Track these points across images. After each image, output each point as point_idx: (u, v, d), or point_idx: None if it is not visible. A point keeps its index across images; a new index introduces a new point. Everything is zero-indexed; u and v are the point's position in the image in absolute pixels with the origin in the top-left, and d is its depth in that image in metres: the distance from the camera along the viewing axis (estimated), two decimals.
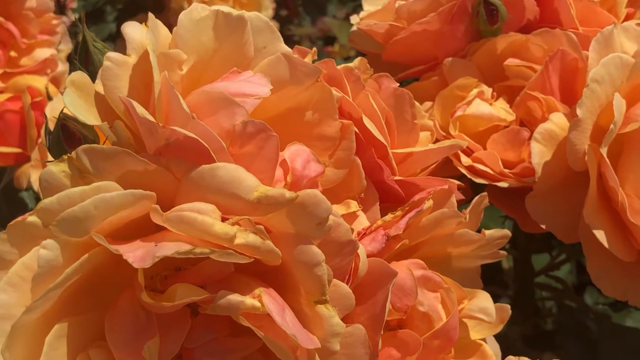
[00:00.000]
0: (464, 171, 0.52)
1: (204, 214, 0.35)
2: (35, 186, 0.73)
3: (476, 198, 0.46)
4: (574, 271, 1.07)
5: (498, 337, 0.50)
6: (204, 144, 0.36)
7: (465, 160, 0.52)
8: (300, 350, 0.36)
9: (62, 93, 0.42)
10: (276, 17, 1.29)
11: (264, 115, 0.43)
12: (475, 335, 0.46)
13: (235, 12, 0.42)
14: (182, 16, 0.41)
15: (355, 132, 0.44)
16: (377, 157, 0.45)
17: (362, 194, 0.45)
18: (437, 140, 0.52)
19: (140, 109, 0.37)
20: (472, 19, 0.55)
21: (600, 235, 0.46)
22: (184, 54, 0.40)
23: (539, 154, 0.49)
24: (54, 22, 0.85)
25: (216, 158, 0.36)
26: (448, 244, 0.46)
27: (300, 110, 0.44)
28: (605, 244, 0.46)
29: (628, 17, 0.57)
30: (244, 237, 0.35)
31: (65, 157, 0.36)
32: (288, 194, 0.36)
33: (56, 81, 0.83)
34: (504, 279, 0.77)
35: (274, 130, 0.39)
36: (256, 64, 0.43)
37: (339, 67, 0.47)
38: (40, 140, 0.73)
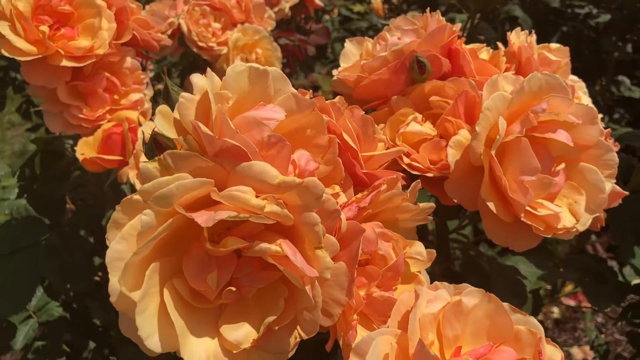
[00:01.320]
0: (405, 167, 0.52)
1: (245, 192, 0.35)
2: (132, 181, 0.73)
3: (413, 184, 0.46)
4: (472, 232, 1.07)
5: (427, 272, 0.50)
6: (244, 149, 0.36)
7: (406, 160, 0.52)
8: (306, 277, 0.36)
9: (151, 119, 0.42)
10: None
11: (281, 131, 0.42)
12: (413, 269, 0.46)
13: (262, 67, 0.42)
14: (229, 70, 0.41)
15: (338, 142, 0.45)
16: (351, 158, 0.45)
17: (342, 181, 0.45)
18: (388, 148, 0.52)
19: (204, 128, 0.37)
20: (410, 71, 0.55)
21: (491, 205, 0.46)
22: (229, 93, 0.40)
23: (452, 155, 0.49)
24: (142, 76, 0.85)
25: (252, 158, 0.37)
26: (396, 212, 0.46)
27: (303, 128, 0.44)
28: (494, 211, 0.46)
29: (507, 70, 0.58)
30: (270, 207, 0.35)
31: (156, 158, 0.36)
32: (298, 180, 0.36)
33: (144, 114, 0.83)
34: (429, 236, 0.78)
35: (287, 141, 0.39)
36: (275, 99, 0.42)
37: (326, 102, 0.47)
38: (134, 151, 0.73)
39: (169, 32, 1.19)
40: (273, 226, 0.37)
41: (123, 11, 0.81)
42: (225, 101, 0.40)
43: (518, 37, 0.59)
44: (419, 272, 0.47)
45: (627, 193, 0.59)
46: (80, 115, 0.77)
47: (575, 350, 1.97)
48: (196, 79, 0.41)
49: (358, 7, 2.86)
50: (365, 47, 0.60)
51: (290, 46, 1.48)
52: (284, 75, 0.44)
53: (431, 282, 0.48)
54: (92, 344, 1.07)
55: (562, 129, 0.47)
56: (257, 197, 0.36)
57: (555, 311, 2.19)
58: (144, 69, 1.28)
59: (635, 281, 0.90)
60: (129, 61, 0.82)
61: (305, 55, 1.50)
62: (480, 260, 0.71)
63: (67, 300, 1.07)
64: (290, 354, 0.38)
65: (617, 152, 0.62)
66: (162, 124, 0.40)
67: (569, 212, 0.48)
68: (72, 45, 0.73)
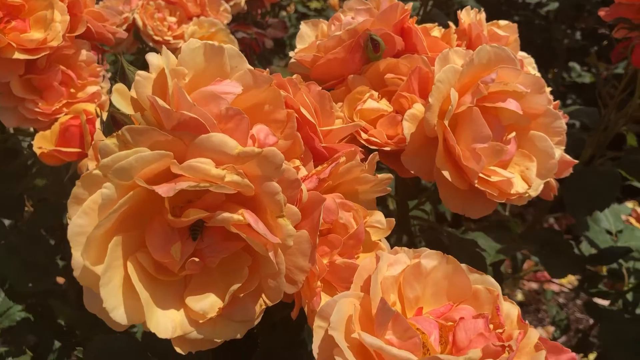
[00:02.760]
0: (363, 142, 0.52)
1: (204, 164, 0.36)
2: None
3: (371, 155, 0.47)
4: (434, 216, 1.09)
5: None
6: (202, 121, 0.37)
7: (364, 135, 0.52)
8: (269, 244, 0.37)
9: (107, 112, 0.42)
10: None
11: (240, 106, 0.43)
12: (374, 237, 0.47)
13: (217, 44, 0.43)
14: (184, 46, 0.41)
15: (296, 117, 0.45)
16: (310, 132, 0.46)
17: (302, 155, 0.46)
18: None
19: (160, 102, 0.37)
20: (364, 50, 0.56)
21: (446, 173, 0.48)
22: (185, 70, 0.41)
23: (407, 128, 0.50)
24: (98, 69, 0.83)
25: (210, 130, 0.37)
26: (356, 183, 0.47)
27: (261, 104, 0.44)
28: (449, 179, 0.47)
29: (458, 46, 0.59)
30: (230, 176, 0.36)
31: (114, 134, 0.37)
32: (257, 150, 0.37)
33: (101, 106, 0.82)
34: (391, 215, 0.79)
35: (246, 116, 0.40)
36: (232, 76, 0.43)
37: (284, 78, 0.48)
38: (93, 143, 0.72)
39: (124, 27, 1.17)
40: (234, 197, 0.37)
41: (76, 3, 0.80)
42: (182, 77, 0.41)
43: (468, 15, 0.61)
44: (380, 240, 0.48)
45: (576, 161, 0.61)
46: (36, 109, 0.76)
47: (539, 331, 2.03)
48: (151, 57, 0.41)
49: (315, 4, 2.86)
50: (320, 29, 0.61)
51: (248, 39, 1.48)
52: (240, 52, 0.45)
53: None
54: (57, 344, 1.05)
55: (512, 98, 0.49)
56: (217, 168, 0.36)
57: (519, 295, 2.25)
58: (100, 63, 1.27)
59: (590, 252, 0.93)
60: (84, 54, 0.81)
61: (263, 48, 1.51)
62: (439, 235, 0.73)
63: (30, 302, 1.05)
64: (256, 322, 0.38)
65: (568, 128, 0.65)
66: (119, 101, 0.40)
67: (521, 178, 0.50)
68: (24, 38, 0.71)
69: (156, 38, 1.13)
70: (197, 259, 0.37)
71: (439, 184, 0.49)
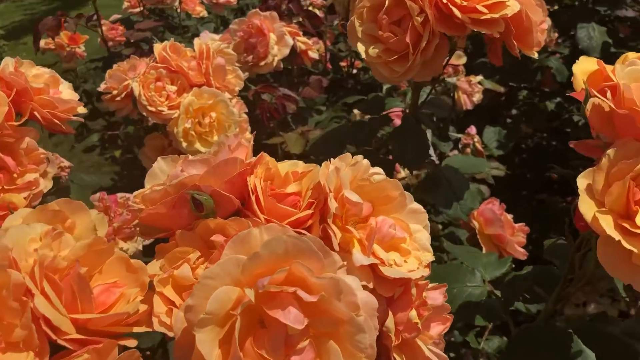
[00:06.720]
0: (153, 318, 0.47)
1: None
2: None
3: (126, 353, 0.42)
4: None
5: None
6: None
7: (158, 311, 0.47)
8: None
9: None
10: None
11: None
12: None
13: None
14: None
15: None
16: (43, 325, 0.42)
17: (37, 349, 0.42)
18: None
19: None
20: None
21: None
22: None
23: (180, 321, 0.43)
24: (41, 156, 0.84)
25: None
26: None
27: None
28: None
29: (308, 206, 0.51)
30: None
31: None
32: None
33: (36, 196, 0.82)
34: None
35: None
36: None
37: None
38: None
39: (123, 94, 1.20)
40: None
41: (25, 92, 0.82)
42: None
43: (336, 167, 0.52)
44: None
45: None
46: None
47: None
48: None
49: None
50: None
51: (266, 104, 1.44)
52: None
53: None
54: None
55: (293, 306, 0.41)
56: None
57: None
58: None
59: None
60: (26, 141, 0.82)
61: (284, 114, 1.46)
62: None
63: None
64: None
65: None
66: None
67: None
68: None
69: (150, 109, 1.13)
70: None
71: None
